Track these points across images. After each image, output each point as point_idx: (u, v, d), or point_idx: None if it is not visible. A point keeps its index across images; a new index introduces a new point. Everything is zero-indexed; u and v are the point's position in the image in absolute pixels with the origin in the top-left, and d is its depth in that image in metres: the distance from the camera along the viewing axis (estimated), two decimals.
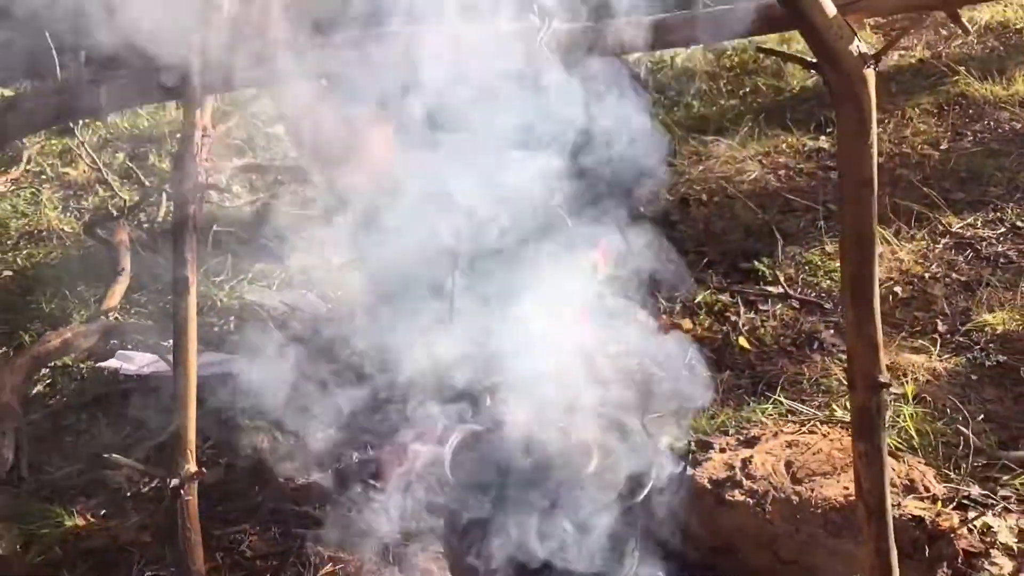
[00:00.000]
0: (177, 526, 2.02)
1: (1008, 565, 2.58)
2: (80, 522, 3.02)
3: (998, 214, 4.21)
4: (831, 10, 1.72)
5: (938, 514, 2.60)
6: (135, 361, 3.75)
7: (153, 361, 3.72)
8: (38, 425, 3.46)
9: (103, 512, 3.08)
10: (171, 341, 3.61)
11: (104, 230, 4.21)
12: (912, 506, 2.62)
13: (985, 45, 5.78)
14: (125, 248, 4.03)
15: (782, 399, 3.22)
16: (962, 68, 5.34)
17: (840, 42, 1.74)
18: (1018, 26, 5.90)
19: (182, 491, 1.99)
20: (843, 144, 1.90)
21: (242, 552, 2.85)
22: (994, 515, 2.71)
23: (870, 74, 1.80)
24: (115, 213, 4.32)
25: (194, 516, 2.01)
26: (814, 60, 1.84)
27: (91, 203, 4.99)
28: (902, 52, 5.78)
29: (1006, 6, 6.14)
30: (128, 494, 3.14)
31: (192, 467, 1.99)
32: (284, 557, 2.81)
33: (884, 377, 2.12)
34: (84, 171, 5.24)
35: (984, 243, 4.05)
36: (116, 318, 3.82)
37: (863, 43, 1.79)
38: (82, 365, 3.74)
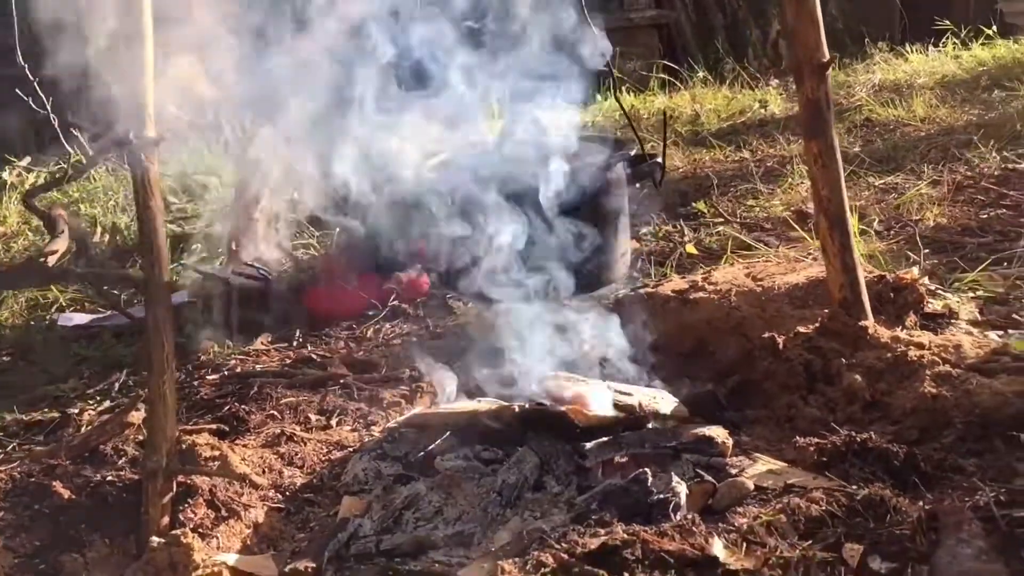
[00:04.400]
0: None
1: (973, 328, 2.59)
2: None
3: (915, 175, 4.45)
4: None
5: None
6: (75, 320, 3.65)
7: (96, 317, 3.62)
8: None
9: None
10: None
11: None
12: (874, 270, 2.64)
13: (880, 97, 6.26)
14: (63, 219, 3.98)
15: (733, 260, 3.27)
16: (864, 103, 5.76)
17: None
18: (908, 82, 6.41)
19: (143, 156, 1.93)
20: None
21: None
22: (956, 301, 2.75)
23: None
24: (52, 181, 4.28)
25: (154, 182, 1.94)
26: None
27: (21, 246, 4.94)
28: None
29: (894, 69, 6.71)
30: None
31: (152, 133, 1.95)
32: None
33: (826, 56, 2.23)
34: (13, 225, 5.20)
35: (907, 186, 4.25)
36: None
37: None
38: (19, 321, 3.62)
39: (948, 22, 7.06)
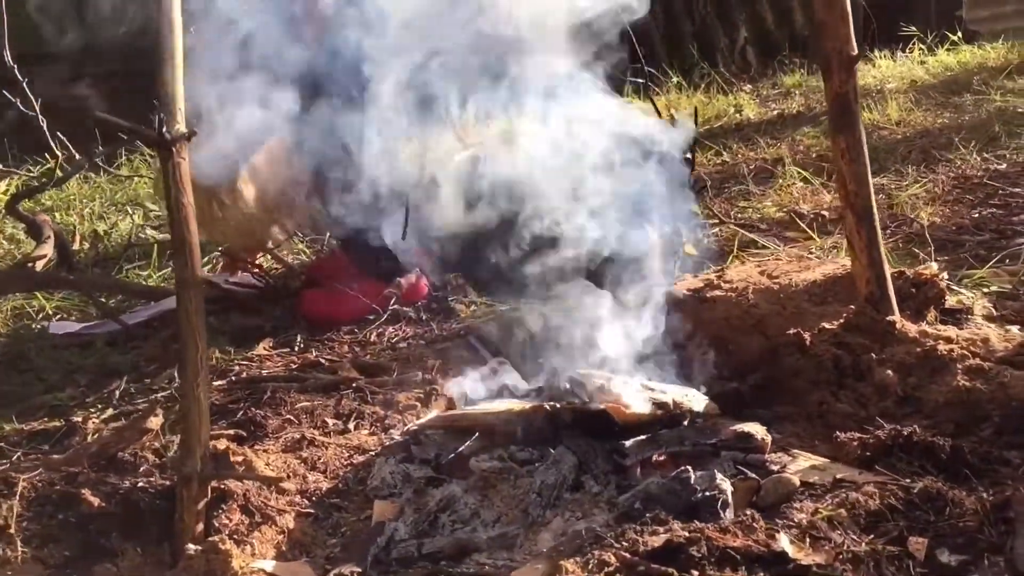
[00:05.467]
0: None
1: (991, 323, 2.61)
2: None
3: (900, 176, 4.50)
4: None
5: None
6: (67, 327, 3.54)
7: (88, 325, 3.52)
8: None
9: None
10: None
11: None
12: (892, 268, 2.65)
13: None
14: (48, 225, 3.87)
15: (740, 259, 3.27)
16: None
17: None
18: (878, 87, 6.49)
19: (174, 151, 1.86)
20: None
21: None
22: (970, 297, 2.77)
23: None
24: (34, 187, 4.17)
25: (186, 178, 1.88)
26: None
27: None
28: (782, 109, 6.29)
29: (864, 74, 6.80)
30: None
31: (183, 127, 1.88)
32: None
33: (855, 50, 2.24)
34: None
35: (893, 187, 4.29)
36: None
37: None
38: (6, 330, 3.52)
39: (912, 28, 7.18)
